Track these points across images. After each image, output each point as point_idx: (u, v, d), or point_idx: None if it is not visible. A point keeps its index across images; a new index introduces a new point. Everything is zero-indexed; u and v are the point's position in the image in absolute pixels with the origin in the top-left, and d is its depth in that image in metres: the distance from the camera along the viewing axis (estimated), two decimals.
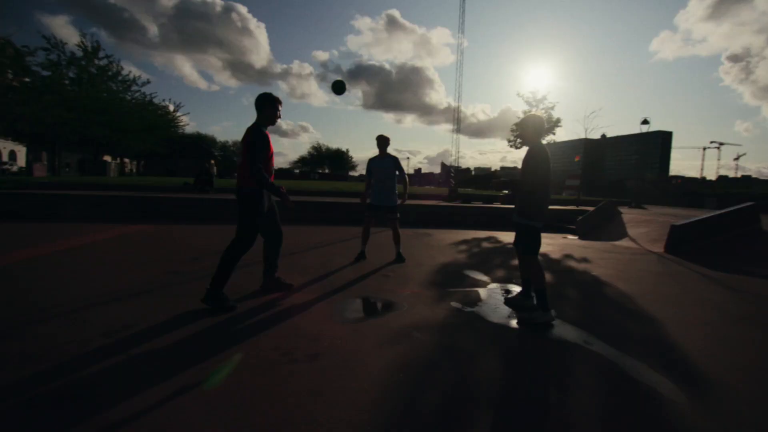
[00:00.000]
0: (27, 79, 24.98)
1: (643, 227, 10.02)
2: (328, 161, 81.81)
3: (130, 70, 42.45)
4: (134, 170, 55.32)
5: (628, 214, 12.04)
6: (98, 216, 8.79)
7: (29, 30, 60.63)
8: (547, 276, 4.80)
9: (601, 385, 2.18)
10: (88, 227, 7.11)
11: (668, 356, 2.59)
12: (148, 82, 33.78)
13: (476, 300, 3.62)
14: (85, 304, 3.02)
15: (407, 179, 5.34)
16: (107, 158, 41.77)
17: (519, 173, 3.47)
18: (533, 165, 3.15)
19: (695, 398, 2.07)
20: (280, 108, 3.27)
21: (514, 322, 3.08)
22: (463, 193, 24.91)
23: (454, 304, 3.45)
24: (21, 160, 42.59)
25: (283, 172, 65.03)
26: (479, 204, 16.75)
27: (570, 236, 10.28)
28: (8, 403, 1.74)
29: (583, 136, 24.24)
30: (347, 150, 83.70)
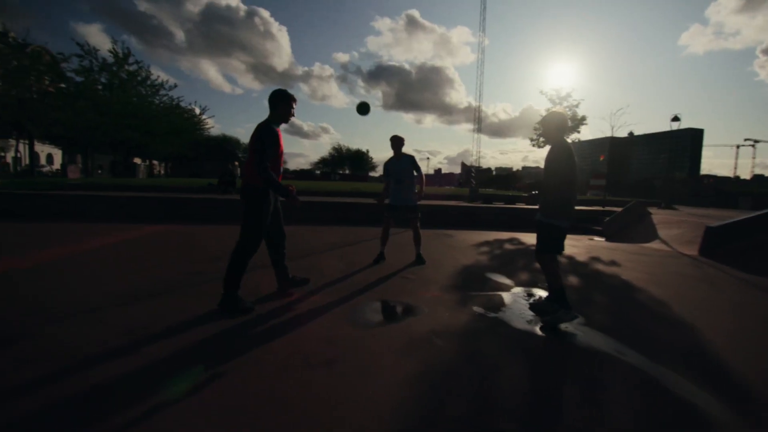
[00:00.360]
0: (62, 85, 26.15)
1: (675, 228, 9.58)
2: (348, 162, 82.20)
3: (158, 75, 43.88)
4: (162, 172, 57.16)
5: (657, 214, 11.54)
6: (125, 216, 9.06)
7: (65, 38, 63.39)
8: (574, 279, 4.63)
9: (636, 399, 2.03)
10: (114, 227, 7.32)
11: (707, 367, 2.41)
12: (175, 86, 34.89)
13: (499, 304, 3.49)
14: (104, 304, 3.07)
15: (424, 178, 5.22)
16: (137, 161, 43.36)
17: (542, 173, 3.35)
18: (555, 163, 3.03)
19: (738, 415, 1.90)
20: (294, 106, 3.18)
21: (540, 329, 2.95)
22: (484, 193, 24.54)
23: (476, 308, 3.34)
24: (57, 163, 44.63)
25: (304, 173, 65.78)
26: (501, 204, 16.44)
27: (596, 238, 9.93)
28: (23, 404, 1.75)
29: (609, 134, 23.46)
30: (367, 150, 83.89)
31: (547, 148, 3.24)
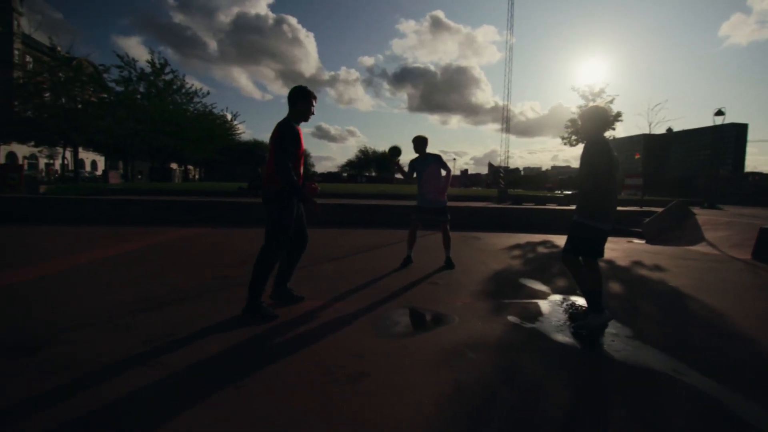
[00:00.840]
0: (104, 95, 27.56)
1: (723, 230, 8.89)
2: (374, 164, 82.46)
3: (192, 83, 45.62)
4: (197, 176, 59.32)
5: (701, 215, 10.78)
6: (157, 219, 9.32)
7: (107, 50, 67.15)
8: (616, 286, 4.31)
9: (703, 428, 1.78)
10: (146, 230, 7.51)
11: None
12: (208, 93, 36.10)
13: (536, 314, 3.25)
14: (129, 309, 3.05)
15: (450, 177, 4.98)
16: (174, 166, 45.20)
17: (574, 172, 3.12)
18: (589, 160, 2.79)
19: None
20: (314, 103, 3.04)
21: (573, 336, 2.70)
22: (514, 194, 23.88)
23: (511, 318, 3.12)
24: (101, 169, 47.07)
25: (331, 176, 66.50)
26: (531, 206, 15.90)
27: (636, 240, 9.37)
28: (41, 415, 1.71)
29: (645, 130, 22.33)
30: None
31: (580, 146, 3.01)
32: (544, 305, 3.50)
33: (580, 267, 2.93)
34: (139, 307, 3.10)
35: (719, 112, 22.62)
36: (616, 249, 7.07)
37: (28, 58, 24.37)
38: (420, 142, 4.96)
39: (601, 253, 2.93)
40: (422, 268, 4.85)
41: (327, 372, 2.13)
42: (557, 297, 3.78)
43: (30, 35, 33.87)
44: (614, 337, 2.79)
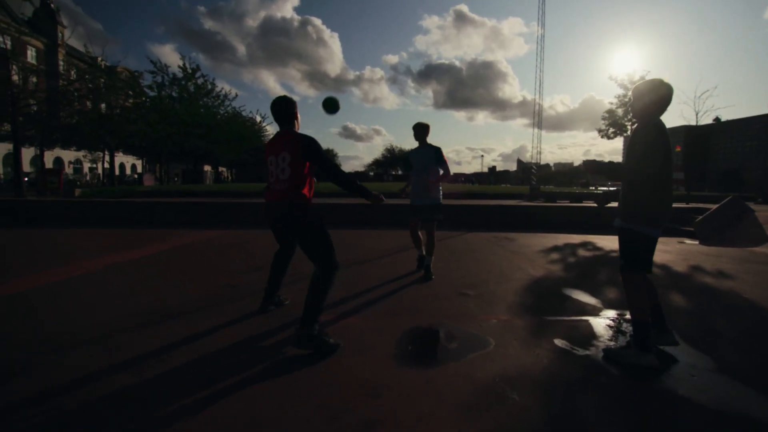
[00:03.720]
0: (137, 100, 28.53)
1: None
2: (401, 162, 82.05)
3: (222, 86, 46.76)
4: (229, 178, 60.84)
5: (759, 212, 9.65)
6: (183, 222, 9.26)
7: (141, 57, 70.14)
8: (677, 298, 3.68)
9: None
10: (170, 233, 7.39)
11: None
12: (236, 96, 36.76)
13: (589, 336, 2.72)
14: (125, 325, 2.76)
15: (449, 175, 4.43)
16: (207, 168, 46.44)
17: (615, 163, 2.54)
18: (643, 147, 2.20)
19: None
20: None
21: (663, 383, 2.15)
22: (546, 191, 22.80)
23: (559, 342, 2.60)
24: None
25: (358, 175, 66.74)
26: (567, 203, 14.98)
27: (687, 240, 8.45)
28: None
29: (691, 120, 20.73)
30: None
31: (618, 140, 2.42)
32: (596, 324, 2.95)
33: (640, 288, 2.32)
34: (135, 323, 2.80)
35: None
36: (669, 251, 6.32)
37: (72, 69, 25.87)
38: (420, 129, 4.40)
39: (650, 264, 2.36)
40: (449, 275, 4.37)
41: (334, 417, 1.72)
42: (611, 313, 3.22)
43: (73, 47, 35.61)
44: (693, 370, 2.24)
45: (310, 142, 2.56)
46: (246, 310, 3.08)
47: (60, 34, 39.38)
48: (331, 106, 2.86)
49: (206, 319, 2.90)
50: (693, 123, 20.25)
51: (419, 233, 4.64)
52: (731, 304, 3.57)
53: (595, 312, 3.23)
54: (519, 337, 2.67)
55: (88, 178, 41.22)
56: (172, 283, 3.98)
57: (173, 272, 4.47)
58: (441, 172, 4.35)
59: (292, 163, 2.52)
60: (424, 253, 4.53)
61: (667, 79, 2.34)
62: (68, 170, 41.04)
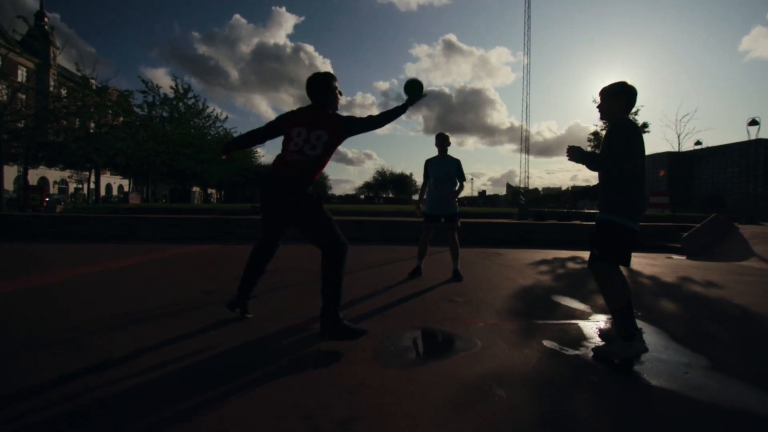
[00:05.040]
0: (127, 119, 28.41)
1: None
2: (392, 185, 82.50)
3: (213, 107, 47.08)
4: (218, 198, 60.30)
5: (743, 229, 9.81)
6: (169, 237, 9.02)
7: (133, 78, 70.69)
8: (671, 305, 3.62)
9: None
10: (151, 246, 7.18)
11: None
12: (226, 118, 36.90)
13: (578, 338, 2.63)
14: (96, 328, 2.58)
15: (463, 189, 4.71)
16: (196, 189, 46.04)
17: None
18: (617, 144, 2.20)
19: None
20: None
21: (656, 381, 2.05)
22: (535, 210, 23.00)
23: (548, 343, 2.49)
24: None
25: (349, 198, 66.73)
26: (555, 221, 15.06)
27: (675, 256, 8.49)
28: None
29: (674, 142, 21.30)
30: (411, 174, 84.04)
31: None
32: (586, 327, 2.86)
33: (613, 278, 2.26)
34: (106, 326, 2.62)
35: (753, 122, 21.48)
36: (659, 265, 6.33)
37: (62, 88, 25.77)
38: (444, 139, 4.57)
39: (629, 259, 2.32)
40: (438, 283, 4.27)
41: (306, 416, 1.58)
42: (601, 317, 3.13)
43: (65, 67, 35.63)
44: (687, 368, 2.15)
45: (344, 118, 2.62)
46: (218, 314, 2.93)
47: (52, 55, 39.46)
48: (414, 88, 2.74)
49: (177, 325, 2.74)
50: (676, 145, 20.80)
51: (427, 243, 4.65)
52: (721, 310, 3.53)
53: (584, 316, 3.15)
54: (507, 339, 2.56)
55: (72, 199, 40.45)
56: (150, 289, 3.79)
57: (150, 279, 4.28)
58: (458, 184, 4.56)
59: (327, 143, 2.51)
60: (421, 265, 4.62)
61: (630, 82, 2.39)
62: (53, 190, 40.27)
